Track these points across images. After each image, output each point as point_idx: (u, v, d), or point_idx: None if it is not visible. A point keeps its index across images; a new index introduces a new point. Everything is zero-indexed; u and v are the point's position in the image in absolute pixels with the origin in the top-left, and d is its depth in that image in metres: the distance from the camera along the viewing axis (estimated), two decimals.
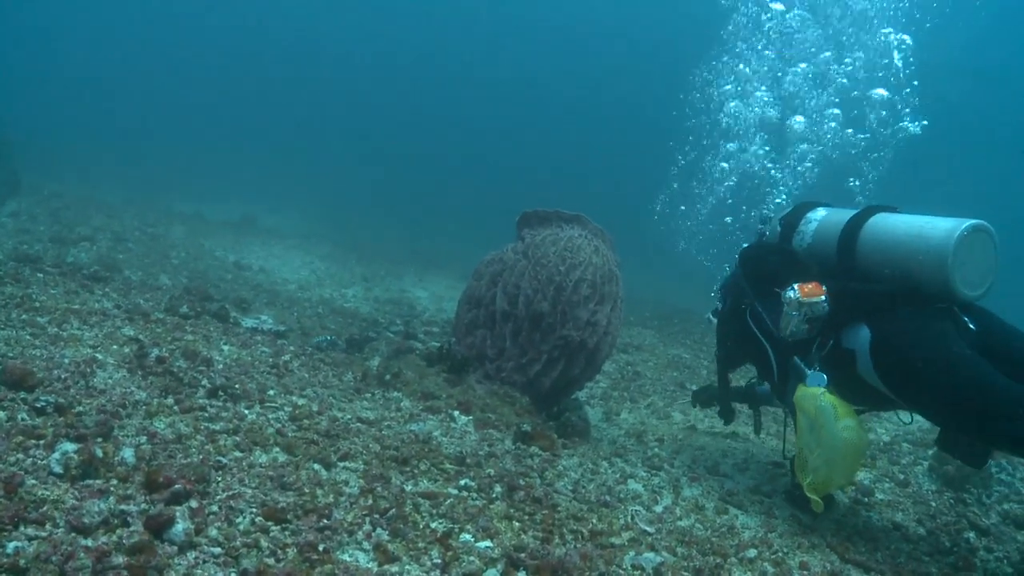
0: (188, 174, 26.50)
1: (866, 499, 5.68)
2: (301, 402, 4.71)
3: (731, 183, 11.37)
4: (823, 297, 4.69)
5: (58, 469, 2.94)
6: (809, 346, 4.85)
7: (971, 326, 4.38)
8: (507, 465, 4.49)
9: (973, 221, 4.39)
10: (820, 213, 5.25)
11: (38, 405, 3.49)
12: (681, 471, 5.63)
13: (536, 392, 6.02)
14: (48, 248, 10.18)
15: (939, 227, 4.44)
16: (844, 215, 5.00)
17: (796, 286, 4.75)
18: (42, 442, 3.14)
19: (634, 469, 5.42)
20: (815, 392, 4.51)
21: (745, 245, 5.83)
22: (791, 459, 5.11)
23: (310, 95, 54.55)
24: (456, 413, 5.31)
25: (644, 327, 13.10)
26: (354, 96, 54.70)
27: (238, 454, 3.60)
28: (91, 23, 50.81)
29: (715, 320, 6.01)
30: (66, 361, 4.28)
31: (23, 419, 3.34)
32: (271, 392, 4.73)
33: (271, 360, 5.58)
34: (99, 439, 3.29)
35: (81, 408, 3.63)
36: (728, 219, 11.20)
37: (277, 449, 3.80)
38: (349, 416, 4.68)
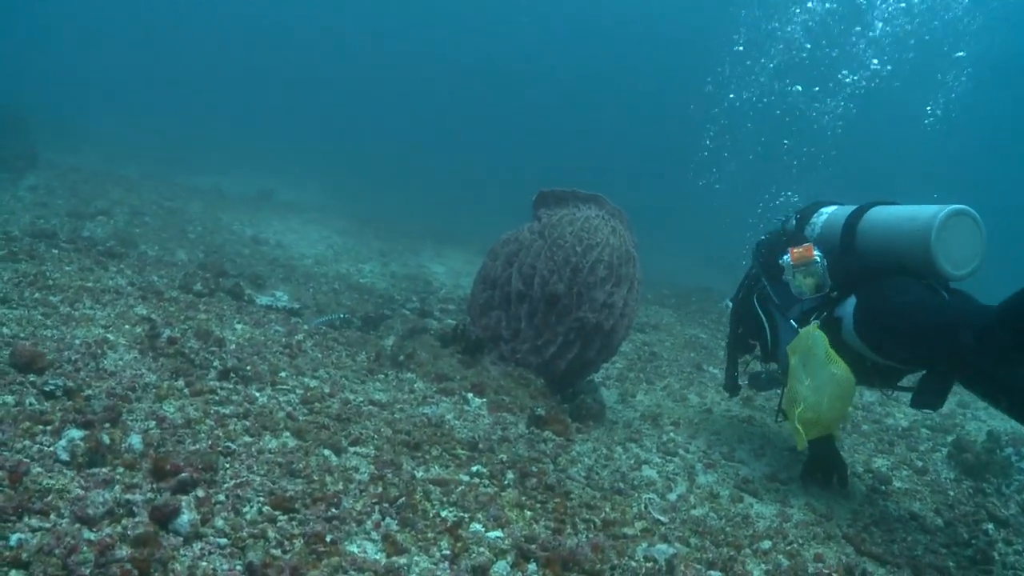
0: (207, 147, 26.48)
1: (883, 487, 5.62)
2: (313, 384, 4.68)
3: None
4: (816, 256, 5.30)
5: (64, 456, 2.92)
6: (808, 318, 5.37)
7: (944, 295, 4.80)
8: (520, 450, 4.45)
9: (957, 205, 4.78)
10: (831, 208, 5.77)
11: (47, 389, 3.46)
12: (696, 457, 5.58)
13: (551, 374, 5.97)
14: (65, 222, 10.17)
15: (926, 210, 4.85)
16: (845, 211, 5.52)
17: (789, 250, 5.44)
18: (49, 428, 3.12)
19: (648, 455, 5.37)
20: (809, 328, 5.05)
21: (761, 238, 6.36)
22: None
23: (332, 70, 54.37)
24: (470, 395, 5.27)
25: (662, 305, 13.03)
26: (376, 71, 54.52)
27: (247, 439, 3.57)
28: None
29: (731, 304, 6.52)
30: (77, 342, 4.25)
31: (31, 404, 3.31)
32: (283, 374, 4.69)
33: (284, 340, 5.54)
34: (107, 424, 3.27)
35: (90, 391, 3.59)
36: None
37: (287, 434, 3.76)
38: (361, 398, 4.64)
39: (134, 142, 23.03)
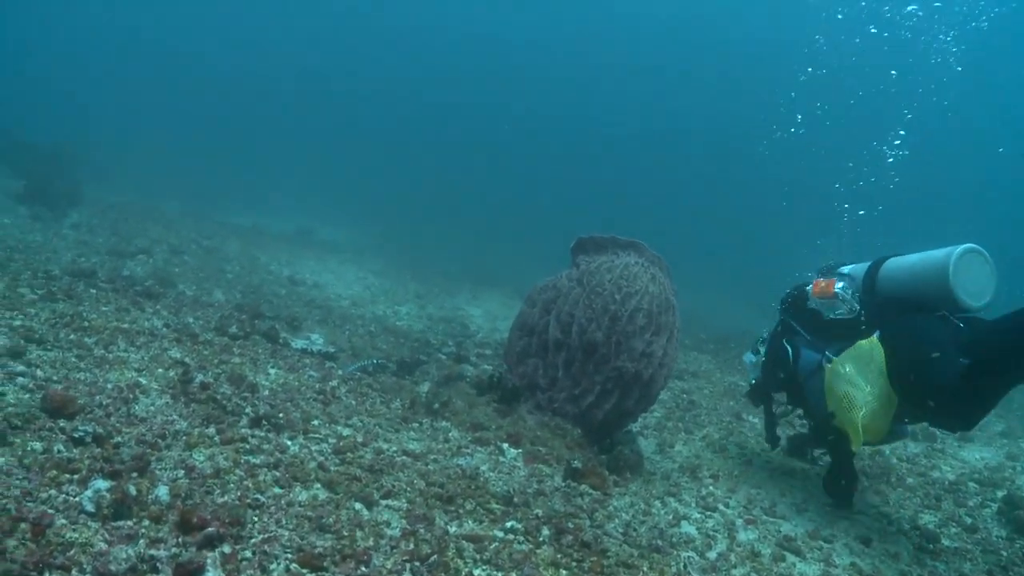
0: (247, 185, 26.75)
1: (931, 546, 5.43)
2: (346, 432, 4.60)
3: None
4: (836, 292, 5.99)
5: (90, 507, 2.85)
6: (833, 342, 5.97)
7: (960, 325, 5.18)
8: (556, 505, 4.33)
9: (967, 244, 5.31)
10: (848, 267, 6.37)
11: (76, 435, 3.41)
12: (736, 512, 5.42)
13: (588, 424, 5.86)
14: (105, 261, 10.23)
15: (939, 252, 5.42)
16: (863, 266, 6.15)
17: (810, 285, 6.25)
18: (76, 477, 3.06)
19: (688, 510, 5.24)
20: (873, 339, 5.42)
21: (786, 293, 6.86)
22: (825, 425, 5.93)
23: (373, 112, 54.91)
24: (505, 446, 5.17)
25: (700, 351, 12.85)
26: (420, 114, 54.92)
27: (277, 491, 3.49)
28: (154, 38, 51.63)
29: (753, 358, 7.07)
30: (109, 386, 4.22)
31: (59, 451, 3.26)
32: (315, 422, 4.62)
33: (318, 386, 5.48)
34: (135, 474, 3.20)
35: (120, 438, 3.55)
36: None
37: (318, 485, 3.68)
38: (395, 448, 4.55)
39: (175, 180, 23.28)
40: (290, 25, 53.88)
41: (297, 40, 54.61)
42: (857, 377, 5.43)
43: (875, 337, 5.43)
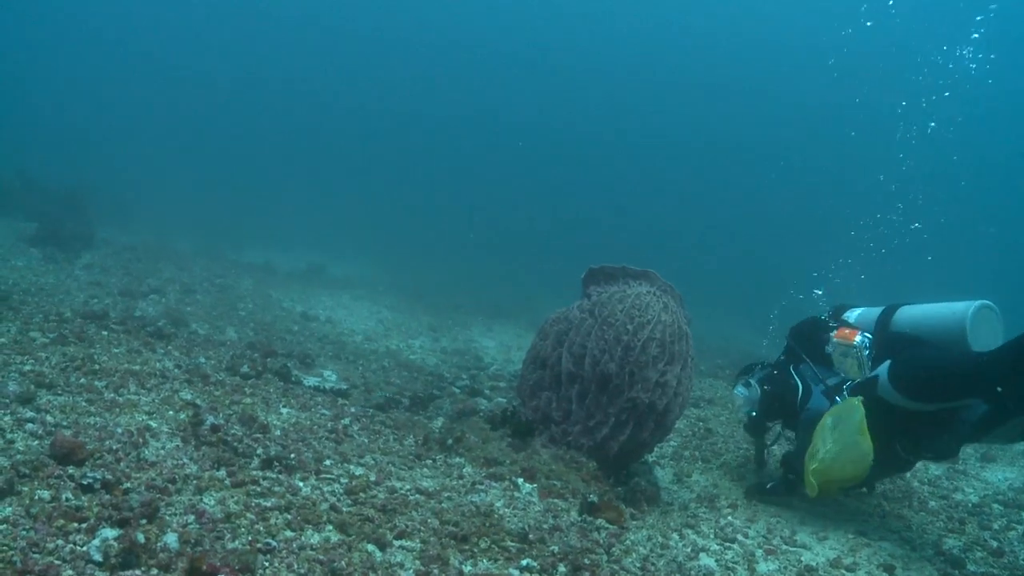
0: (259, 222, 26.83)
1: (956, 572, 5.35)
2: (359, 472, 4.56)
3: None
4: (855, 343, 6.20)
5: (97, 557, 2.81)
6: (841, 386, 6.30)
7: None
8: (572, 540, 4.27)
9: (984, 300, 5.73)
10: (859, 309, 6.78)
11: (85, 482, 3.38)
12: (756, 543, 5.35)
13: (604, 456, 5.80)
14: (117, 301, 10.24)
15: (956, 306, 5.82)
16: (874, 311, 6.51)
17: (834, 334, 6.44)
18: (84, 526, 3.03)
19: (706, 541, 5.17)
20: (856, 400, 5.66)
21: (796, 324, 7.21)
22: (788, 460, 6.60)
23: (382, 147, 55.15)
24: (520, 481, 5.10)
25: (715, 378, 12.74)
26: (427, 145, 55.19)
27: (289, 534, 3.45)
28: (168, 79, 52.12)
29: (745, 391, 7.28)
30: (119, 431, 4.19)
31: (67, 499, 3.23)
32: (327, 462, 4.57)
33: (330, 424, 5.44)
34: (143, 521, 3.17)
35: (129, 484, 3.51)
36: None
37: (330, 527, 3.63)
38: (408, 486, 4.50)
39: (187, 218, 23.37)
40: (298, 61, 54.39)
41: (305, 75, 55.06)
42: (829, 432, 5.72)
43: (858, 400, 5.66)
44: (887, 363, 5.76)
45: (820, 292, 8.73)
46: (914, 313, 6.16)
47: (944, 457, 5.90)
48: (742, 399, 7.27)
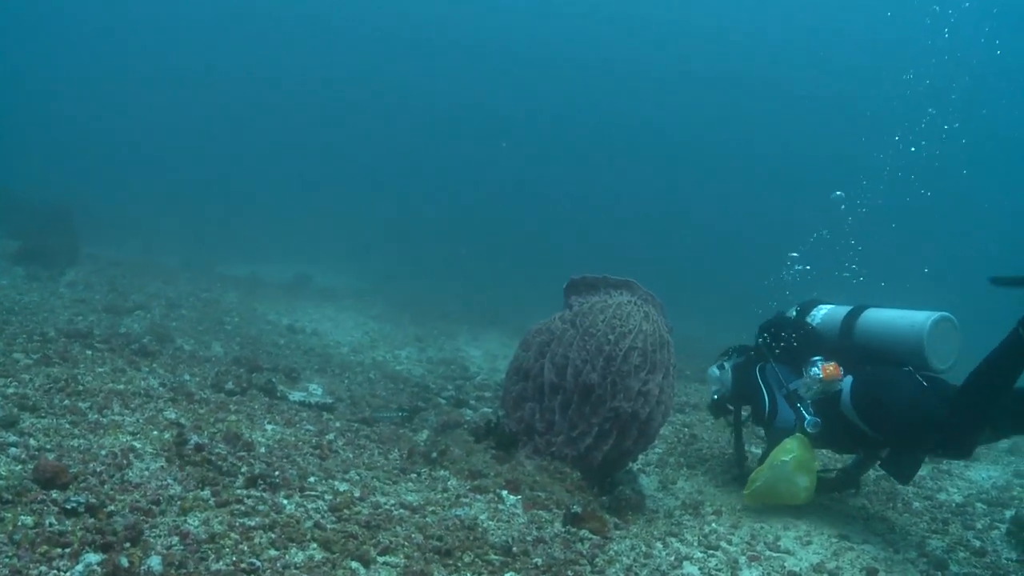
0: (244, 234, 26.83)
1: (939, 573, 5.39)
2: (343, 488, 4.58)
3: None
4: (840, 378, 6.16)
5: None
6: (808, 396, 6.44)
7: (924, 384, 5.84)
8: (555, 552, 4.31)
9: (943, 312, 5.99)
10: (827, 306, 6.96)
11: (68, 506, 3.39)
12: (740, 549, 5.38)
13: (588, 466, 5.83)
14: (102, 318, 10.24)
15: (917, 315, 6.06)
16: (841, 310, 6.72)
17: (820, 367, 6.22)
18: (68, 551, 3.05)
19: (690, 549, 5.20)
20: (792, 444, 6.13)
21: (767, 320, 7.36)
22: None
23: (365, 151, 55.04)
24: (504, 493, 5.14)
25: (701, 382, 12.76)
26: (414, 152, 55.09)
27: (273, 553, 3.48)
28: (152, 92, 51.98)
29: (717, 372, 7.59)
30: (103, 452, 4.21)
31: (51, 524, 3.24)
32: (312, 479, 4.60)
33: (315, 440, 5.47)
34: (127, 544, 3.19)
35: (113, 507, 3.53)
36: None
37: (314, 545, 3.66)
38: (393, 501, 4.53)
39: (173, 232, 23.38)
40: (283, 70, 54.30)
41: (290, 82, 54.98)
42: (769, 464, 6.16)
43: (796, 440, 6.16)
44: (850, 380, 6.14)
45: (803, 264, 8.73)
46: (877, 319, 6.38)
47: (901, 481, 6.09)
48: (713, 379, 7.63)
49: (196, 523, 3.60)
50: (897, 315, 6.25)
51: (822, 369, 6.24)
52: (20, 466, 3.81)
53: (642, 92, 52.24)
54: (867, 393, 5.99)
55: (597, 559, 4.41)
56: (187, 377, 6.89)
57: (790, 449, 6.07)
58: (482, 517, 4.59)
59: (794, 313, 7.21)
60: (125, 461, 4.15)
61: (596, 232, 45.07)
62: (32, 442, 4.21)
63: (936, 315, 5.95)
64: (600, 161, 53.06)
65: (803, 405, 6.36)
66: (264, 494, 4.19)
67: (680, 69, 50.87)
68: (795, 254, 9.11)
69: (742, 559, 5.17)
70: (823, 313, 6.90)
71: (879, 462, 6.24)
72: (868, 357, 6.30)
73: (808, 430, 6.19)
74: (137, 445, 4.49)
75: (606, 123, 52.97)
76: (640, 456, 6.88)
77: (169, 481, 4.04)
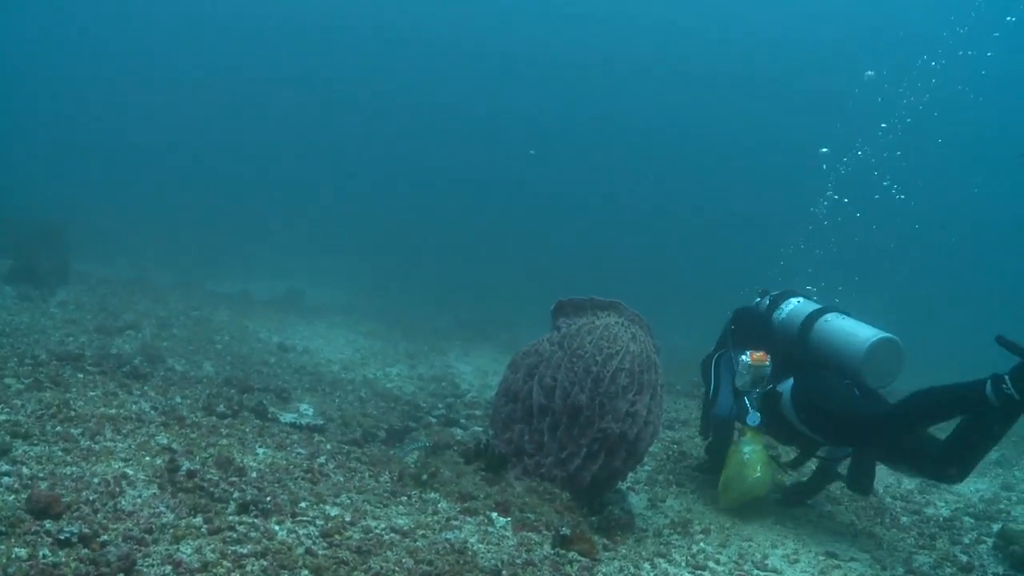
0: (236, 249, 26.82)
1: None
2: (334, 512, 4.62)
3: None
4: (767, 364, 6.72)
5: None
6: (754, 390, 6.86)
7: (857, 393, 6.36)
8: (544, 575, 4.36)
9: (887, 334, 6.31)
10: (796, 300, 7.27)
11: (62, 537, 3.44)
12: (727, 568, 5.45)
13: (577, 487, 5.88)
14: (93, 339, 10.27)
15: (865, 332, 6.40)
16: (808, 308, 7.03)
17: (748, 353, 6.81)
18: None
19: (678, 570, 5.26)
20: (753, 446, 6.69)
21: (740, 307, 7.87)
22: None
23: (356, 163, 55.03)
24: (494, 515, 5.18)
25: (691, 397, 12.78)
26: (407, 166, 55.10)
27: None
28: (140, 107, 51.97)
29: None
30: (96, 480, 4.24)
31: (44, 556, 3.29)
32: (303, 504, 4.63)
33: (306, 464, 5.50)
34: (121, 575, 3.23)
35: (107, 536, 3.57)
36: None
37: (306, 572, 3.70)
38: (383, 525, 4.57)
39: (164, 249, 23.38)
40: (272, 85, 54.31)
41: (278, 96, 54.95)
42: (733, 465, 6.72)
43: (746, 441, 6.74)
44: (791, 382, 6.60)
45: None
46: (831, 326, 6.68)
47: (861, 493, 6.67)
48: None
49: (189, 551, 3.64)
50: (849, 326, 6.57)
51: (749, 355, 6.76)
52: (13, 496, 3.85)
53: (630, 95, 52.32)
54: (807, 400, 6.40)
55: None
56: (178, 400, 6.92)
57: (741, 448, 6.72)
58: (472, 540, 4.64)
59: (766, 303, 7.53)
60: (118, 489, 4.19)
61: (587, 235, 45.23)
62: (25, 471, 4.24)
63: (880, 336, 6.28)
64: (589, 164, 53.17)
65: (749, 400, 6.80)
66: (256, 520, 4.22)
67: (668, 70, 51.01)
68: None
69: None
70: (791, 308, 7.19)
71: (842, 481, 6.72)
72: (817, 360, 6.71)
73: (749, 424, 6.71)
74: (129, 472, 4.53)
75: (596, 125, 53.06)
76: (630, 475, 6.94)
77: (162, 508, 4.07)
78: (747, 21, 48.14)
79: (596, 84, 51.66)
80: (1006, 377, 5.08)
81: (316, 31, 53.68)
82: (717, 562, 5.56)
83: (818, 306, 7.01)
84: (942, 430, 5.76)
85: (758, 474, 6.47)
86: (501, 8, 52.89)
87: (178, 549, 3.64)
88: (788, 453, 7.81)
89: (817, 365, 6.65)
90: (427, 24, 53.11)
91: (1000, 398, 5.08)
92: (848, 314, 6.82)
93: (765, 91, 49.20)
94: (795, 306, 7.16)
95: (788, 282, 8.14)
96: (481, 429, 8.59)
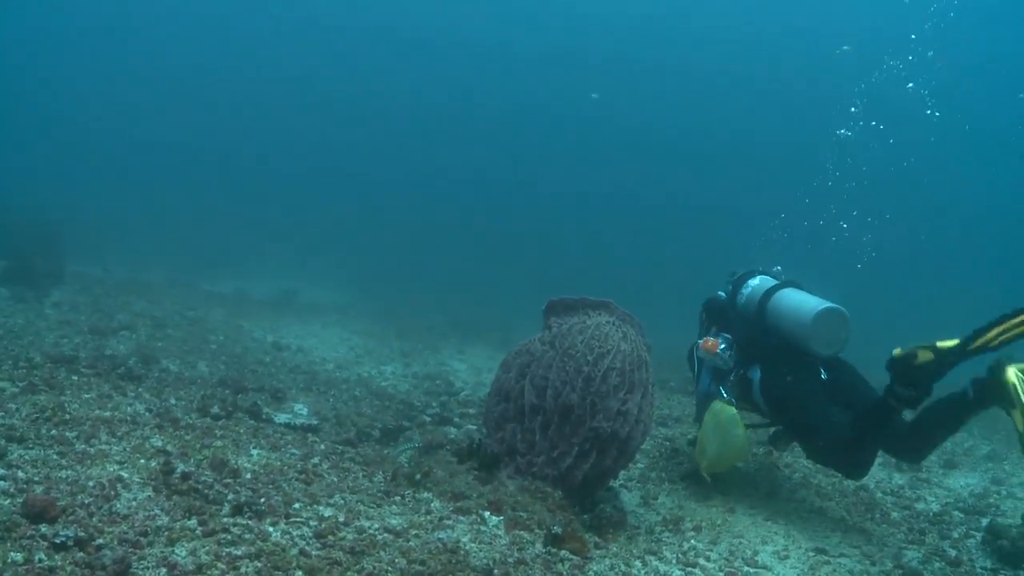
0: (231, 248, 26.84)
1: None
2: (327, 513, 4.67)
3: None
4: (717, 352, 7.11)
5: None
6: (729, 375, 7.23)
7: (823, 375, 6.69)
8: (536, 574, 4.41)
9: (830, 304, 6.49)
10: (756, 280, 7.36)
11: (58, 541, 3.47)
12: (718, 565, 5.50)
13: (569, 485, 5.93)
14: (88, 340, 10.29)
15: (807, 305, 6.57)
16: (766, 285, 7.14)
17: (699, 342, 7.40)
18: None
19: (668, 567, 5.30)
20: (728, 407, 6.80)
21: (713, 295, 8.03)
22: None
23: (351, 161, 54.98)
24: (487, 514, 5.22)
25: (684, 393, 12.84)
26: (401, 166, 55.09)
27: None
28: (137, 107, 51.93)
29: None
30: (91, 484, 4.28)
31: (40, 559, 3.33)
32: (297, 505, 4.67)
33: (300, 464, 5.54)
34: None
35: (102, 540, 3.61)
36: None
37: (300, 573, 3.75)
38: (377, 525, 4.62)
39: (159, 249, 23.37)
40: (266, 84, 54.26)
41: (273, 95, 54.90)
42: (711, 432, 6.85)
43: (723, 404, 6.88)
44: (758, 373, 6.94)
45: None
46: (782, 301, 6.86)
47: (856, 478, 6.82)
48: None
49: (183, 554, 3.68)
50: (798, 298, 6.75)
51: (701, 344, 7.30)
52: (9, 500, 3.88)
53: (630, 95, 52.37)
54: (775, 396, 6.79)
55: None
56: (173, 401, 6.96)
57: (721, 409, 6.81)
58: (464, 539, 4.68)
59: (730, 288, 7.70)
60: (113, 492, 4.23)
61: (581, 234, 45.27)
62: (20, 474, 4.28)
63: (825, 305, 6.47)
64: (583, 162, 53.28)
65: (723, 385, 7.16)
66: (250, 522, 4.27)
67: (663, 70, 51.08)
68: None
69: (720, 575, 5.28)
70: (749, 290, 7.35)
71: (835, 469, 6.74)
72: (777, 338, 6.94)
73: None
74: (124, 475, 4.57)
75: (591, 124, 53.11)
76: (622, 472, 6.99)
77: (156, 511, 4.11)
78: (737, 18, 48.18)
79: (593, 83, 51.68)
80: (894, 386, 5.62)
81: (311, 30, 53.70)
82: (708, 559, 5.61)
83: (775, 282, 7.18)
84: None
85: (739, 431, 6.63)
86: (497, 8, 52.89)
87: (173, 551, 3.68)
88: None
89: (782, 352, 6.87)
90: (421, 24, 53.11)
91: (900, 402, 5.62)
92: (801, 287, 7.04)
93: (765, 91, 49.33)
94: (754, 286, 7.30)
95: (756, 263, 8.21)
96: (475, 427, 8.64)
